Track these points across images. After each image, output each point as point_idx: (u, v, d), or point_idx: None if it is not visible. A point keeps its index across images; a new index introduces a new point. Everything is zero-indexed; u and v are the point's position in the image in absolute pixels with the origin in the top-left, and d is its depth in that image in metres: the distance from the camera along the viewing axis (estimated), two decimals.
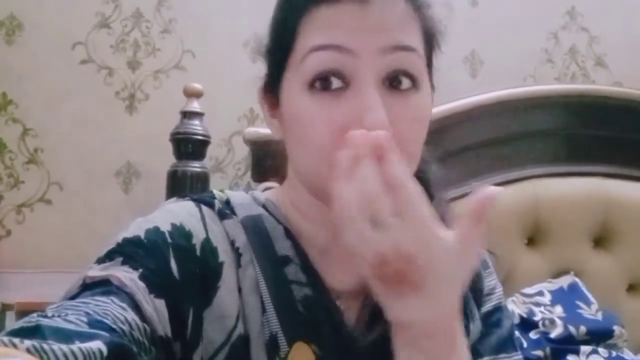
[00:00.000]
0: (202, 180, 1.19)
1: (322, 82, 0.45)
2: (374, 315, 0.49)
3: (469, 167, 1.24)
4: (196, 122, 1.21)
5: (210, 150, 1.26)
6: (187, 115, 1.21)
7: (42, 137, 1.40)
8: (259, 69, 0.53)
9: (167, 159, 1.22)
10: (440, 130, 1.15)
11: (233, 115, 1.49)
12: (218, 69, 1.48)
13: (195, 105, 1.22)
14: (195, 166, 1.19)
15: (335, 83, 0.45)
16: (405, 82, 0.46)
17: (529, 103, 1.31)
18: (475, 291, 0.56)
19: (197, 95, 1.23)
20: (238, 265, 0.49)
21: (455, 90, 1.16)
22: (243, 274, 0.48)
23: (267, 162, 1.11)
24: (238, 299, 0.47)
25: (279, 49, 0.50)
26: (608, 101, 1.35)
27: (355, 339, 0.49)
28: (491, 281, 0.59)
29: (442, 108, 1.17)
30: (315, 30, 0.46)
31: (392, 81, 0.46)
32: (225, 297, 0.47)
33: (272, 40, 0.51)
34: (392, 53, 0.45)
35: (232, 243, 0.50)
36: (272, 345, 0.46)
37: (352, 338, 0.49)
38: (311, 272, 0.50)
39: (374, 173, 0.38)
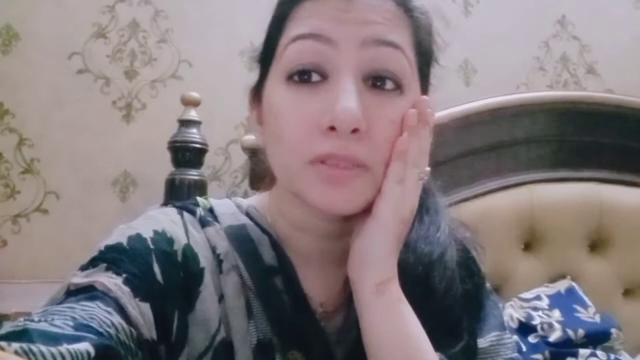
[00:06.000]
0: (200, 188, 1.19)
1: (300, 75, 0.44)
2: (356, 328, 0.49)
3: (464, 174, 1.25)
4: (194, 130, 1.22)
5: (207, 159, 1.26)
6: (184, 123, 1.22)
7: (38, 147, 1.39)
8: (255, 77, 0.53)
9: (164, 167, 1.22)
10: (434, 138, 1.16)
11: (230, 123, 1.49)
12: (214, 78, 1.48)
13: (193, 114, 1.23)
14: (193, 174, 1.20)
15: (314, 77, 0.44)
16: (389, 83, 0.45)
17: (522, 110, 1.32)
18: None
19: (194, 103, 1.24)
20: (219, 271, 0.49)
21: (449, 98, 1.17)
22: (225, 280, 0.48)
23: (264, 169, 1.11)
24: (219, 304, 0.47)
25: (267, 46, 0.50)
26: (600, 108, 1.37)
27: (334, 353, 0.49)
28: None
29: (435, 115, 1.18)
30: (298, 22, 0.46)
31: (376, 80, 0.45)
32: (207, 302, 0.46)
33: (263, 41, 0.51)
34: (374, 47, 0.44)
35: (214, 250, 0.50)
36: (261, 350, 0.46)
37: (332, 352, 0.49)
38: (295, 284, 0.50)
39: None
